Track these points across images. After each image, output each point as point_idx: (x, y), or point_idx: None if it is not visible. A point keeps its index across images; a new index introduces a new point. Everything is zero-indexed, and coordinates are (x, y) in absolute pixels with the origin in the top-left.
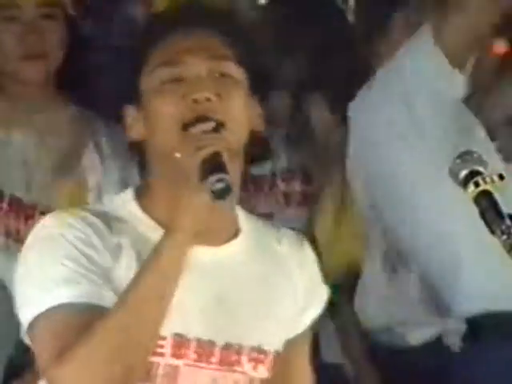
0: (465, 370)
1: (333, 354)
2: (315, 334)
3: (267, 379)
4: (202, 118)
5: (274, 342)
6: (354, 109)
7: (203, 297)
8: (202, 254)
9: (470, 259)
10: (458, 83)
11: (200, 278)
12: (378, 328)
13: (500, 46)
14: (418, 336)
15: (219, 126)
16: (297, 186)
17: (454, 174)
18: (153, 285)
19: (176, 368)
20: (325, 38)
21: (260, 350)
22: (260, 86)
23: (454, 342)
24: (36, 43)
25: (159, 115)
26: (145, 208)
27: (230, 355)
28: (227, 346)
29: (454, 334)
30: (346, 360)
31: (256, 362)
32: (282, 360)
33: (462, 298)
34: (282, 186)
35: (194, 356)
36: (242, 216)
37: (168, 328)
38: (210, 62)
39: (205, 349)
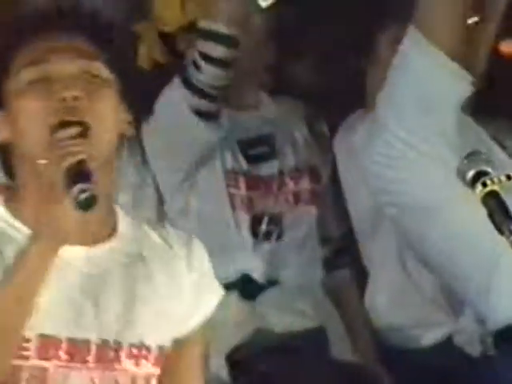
0: (491, 374)
1: (343, 351)
2: (323, 330)
3: (158, 377)
4: (67, 123)
5: (157, 338)
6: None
7: (75, 296)
8: (74, 254)
9: (504, 264)
10: (460, 77)
11: (71, 276)
12: (388, 327)
13: (508, 45)
14: (429, 336)
15: (85, 130)
16: (306, 185)
17: (461, 174)
18: (11, 293)
19: (43, 370)
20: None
21: (141, 346)
22: (130, 94)
23: (468, 343)
24: None
25: (26, 115)
26: (13, 210)
27: (106, 353)
28: (103, 344)
29: (466, 334)
30: (356, 358)
31: (137, 357)
32: (171, 359)
33: (497, 308)
34: (290, 184)
35: (65, 356)
36: (121, 218)
37: (33, 329)
38: (78, 60)
39: (78, 348)
